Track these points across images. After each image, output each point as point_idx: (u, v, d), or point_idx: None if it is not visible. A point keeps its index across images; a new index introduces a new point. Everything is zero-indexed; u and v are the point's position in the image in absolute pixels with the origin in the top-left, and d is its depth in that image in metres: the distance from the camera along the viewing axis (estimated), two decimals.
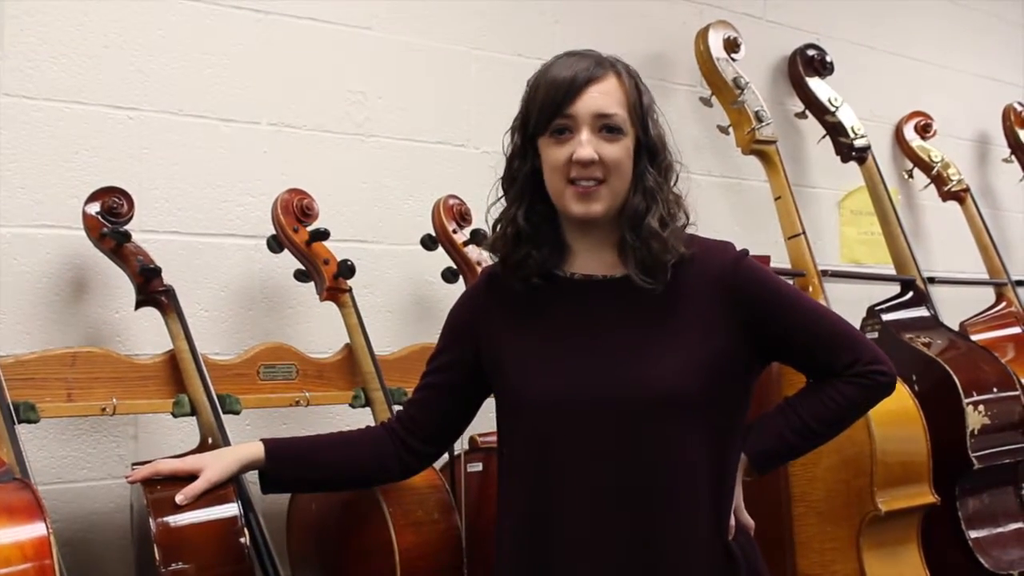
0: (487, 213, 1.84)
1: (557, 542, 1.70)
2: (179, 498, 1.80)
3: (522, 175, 1.77)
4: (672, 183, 1.78)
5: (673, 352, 1.70)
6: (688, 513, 1.69)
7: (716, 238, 1.82)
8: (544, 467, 1.72)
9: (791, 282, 3.11)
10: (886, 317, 3.26)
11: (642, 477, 1.68)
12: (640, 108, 1.74)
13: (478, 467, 2.28)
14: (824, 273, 3.16)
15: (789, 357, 1.85)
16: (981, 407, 3.03)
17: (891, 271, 3.48)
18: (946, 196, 3.85)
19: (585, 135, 1.69)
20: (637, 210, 1.72)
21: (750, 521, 1.81)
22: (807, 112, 3.52)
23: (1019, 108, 4.17)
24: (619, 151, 1.71)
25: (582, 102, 1.69)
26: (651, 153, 1.75)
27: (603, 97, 1.70)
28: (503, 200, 1.82)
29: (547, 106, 1.71)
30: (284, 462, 1.87)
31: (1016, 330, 3.68)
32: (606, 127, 1.70)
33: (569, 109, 1.69)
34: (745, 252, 1.80)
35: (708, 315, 1.72)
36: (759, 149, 3.21)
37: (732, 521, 1.75)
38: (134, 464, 1.94)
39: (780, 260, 3.12)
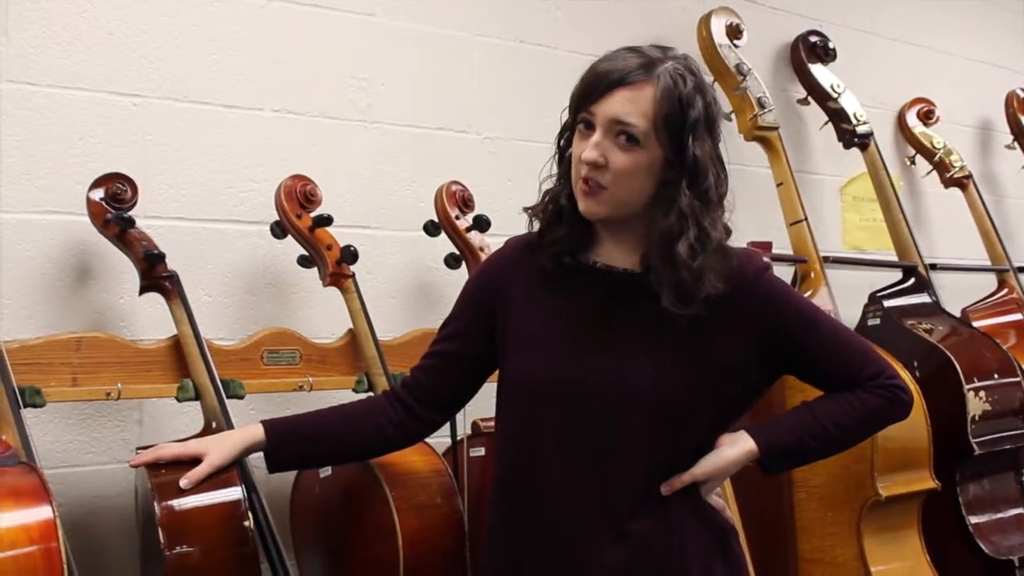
0: (540, 185, 1.80)
1: (538, 514, 1.74)
2: (183, 482, 1.81)
3: (568, 155, 1.75)
4: (713, 210, 1.68)
5: (667, 357, 1.69)
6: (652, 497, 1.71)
7: (738, 246, 1.77)
8: (526, 446, 1.75)
9: (793, 269, 3.13)
10: (888, 303, 3.27)
11: (613, 466, 1.70)
12: (674, 125, 1.65)
13: (480, 452, 2.28)
14: (826, 259, 3.17)
15: (808, 371, 1.81)
16: (982, 393, 3.04)
17: (893, 257, 3.49)
18: (948, 183, 3.85)
19: (597, 137, 1.66)
20: (668, 233, 1.66)
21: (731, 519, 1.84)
22: (809, 98, 3.52)
23: (1022, 94, 4.16)
24: (628, 161, 1.66)
25: (603, 104, 1.65)
26: (690, 175, 1.66)
27: (627, 104, 1.64)
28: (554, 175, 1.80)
29: (577, 98, 1.70)
30: (285, 441, 1.87)
31: (1017, 316, 3.68)
32: (623, 134, 1.66)
33: (591, 107, 1.67)
34: (768, 266, 1.78)
35: (719, 324, 1.70)
36: (761, 135, 3.21)
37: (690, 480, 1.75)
38: (138, 448, 1.96)
39: (782, 246, 3.13)
